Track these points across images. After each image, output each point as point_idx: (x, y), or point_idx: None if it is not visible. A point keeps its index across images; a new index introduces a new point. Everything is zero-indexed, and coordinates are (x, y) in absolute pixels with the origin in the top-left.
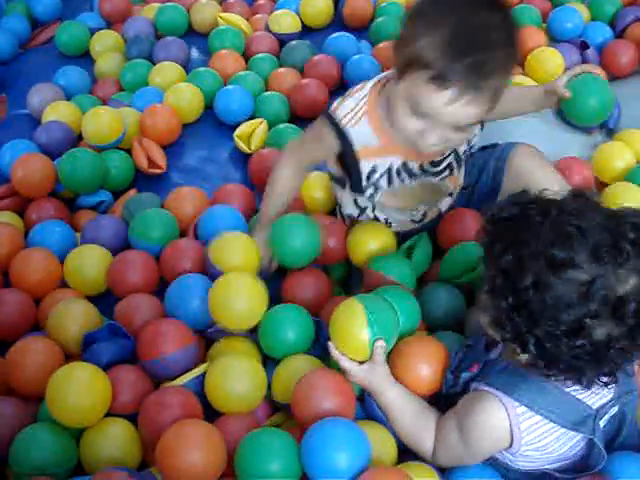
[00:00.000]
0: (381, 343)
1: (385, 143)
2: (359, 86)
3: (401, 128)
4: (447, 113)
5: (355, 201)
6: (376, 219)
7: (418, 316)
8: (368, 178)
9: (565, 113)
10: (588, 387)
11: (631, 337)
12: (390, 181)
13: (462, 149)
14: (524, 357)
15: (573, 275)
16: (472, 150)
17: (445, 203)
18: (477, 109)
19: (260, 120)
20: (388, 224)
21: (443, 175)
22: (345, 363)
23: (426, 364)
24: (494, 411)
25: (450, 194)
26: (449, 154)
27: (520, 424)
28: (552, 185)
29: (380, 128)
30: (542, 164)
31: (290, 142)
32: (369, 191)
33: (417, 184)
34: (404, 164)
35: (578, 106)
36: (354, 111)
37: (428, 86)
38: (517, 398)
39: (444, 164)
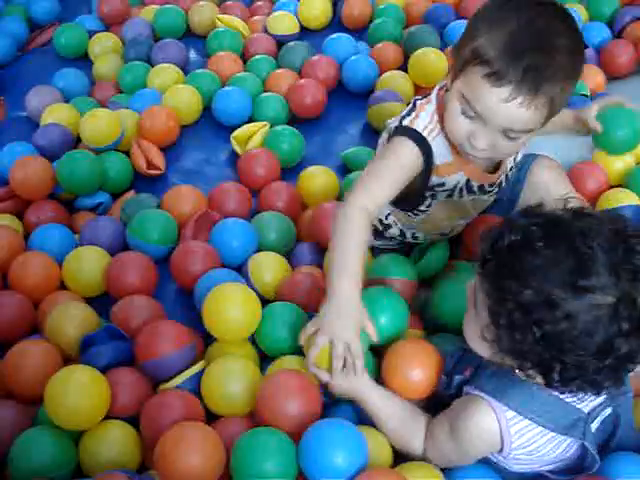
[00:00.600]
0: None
1: (457, 160)
2: (424, 100)
3: (451, 129)
4: (500, 112)
5: (380, 221)
6: (402, 234)
7: (405, 315)
8: (432, 188)
9: (596, 144)
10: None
11: None
12: (451, 195)
13: (509, 166)
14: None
15: (599, 299)
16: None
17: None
18: (531, 114)
19: (264, 123)
20: (414, 237)
21: (493, 192)
22: (323, 376)
23: (418, 368)
24: (484, 415)
25: None
26: (501, 174)
27: (510, 428)
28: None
29: (453, 144)
30: (559, 177)
31: (356, 181)
32: (425, 203)
33: (470, 200)
34: (467, 181)
35: (609, 138)
36: (431, 125)
37: (484, 82)
38: (506, 403)
39: (497, 182)
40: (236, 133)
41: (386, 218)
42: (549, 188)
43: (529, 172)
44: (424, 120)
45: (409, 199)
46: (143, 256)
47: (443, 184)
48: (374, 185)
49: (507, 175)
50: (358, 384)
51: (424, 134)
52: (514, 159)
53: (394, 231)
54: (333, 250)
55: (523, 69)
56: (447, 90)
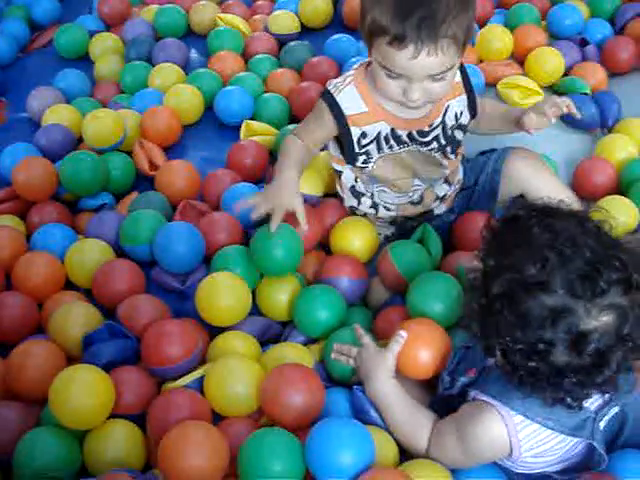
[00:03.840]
0: (403, 332)
1: (373, 110)
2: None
3: (385, 93)
4: (415, 67)
5: (353, 189)
6: (374, 206)
7: (343, 310)
8: (358, 142)
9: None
10: (552, 406)
11: (589, 374)
12: (379, 147)
13: (450, 123)
14: (499, 362)
15: (541, 298)
16: (462, 130)
17: (441, 188)
18: (442, 56)
19: (275, 132)
20: (387, 209)
21: (431, 147)
22: (366, 339)
23: (425, 348)
24: (493, 422)
25: (447, 181)
26: (436, 126)
27: (518, 433)
28: (549, 190)
29: (368, 96)
30: (537, 168)
31: (293, 129)
32: (361, 158)
33: (406, 152)
34: (392, 130)
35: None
36: (341, 81)
37: (390, 49)
38: (513, 407)
39: (431, 135)
40: (251, 122)
41: (355, 181)
42: (528, 179)
43: (505, 164)
44: (338, 79)
45: (347, 155)
46: (130, 263)
47: (365, 134)
48: (306, 128)
49: (446, 130)
50: (387, 362)
51: (331, 90)
52: (454, 117)
53: (367, 201)
54: (279, 162)
55: (417, 25)
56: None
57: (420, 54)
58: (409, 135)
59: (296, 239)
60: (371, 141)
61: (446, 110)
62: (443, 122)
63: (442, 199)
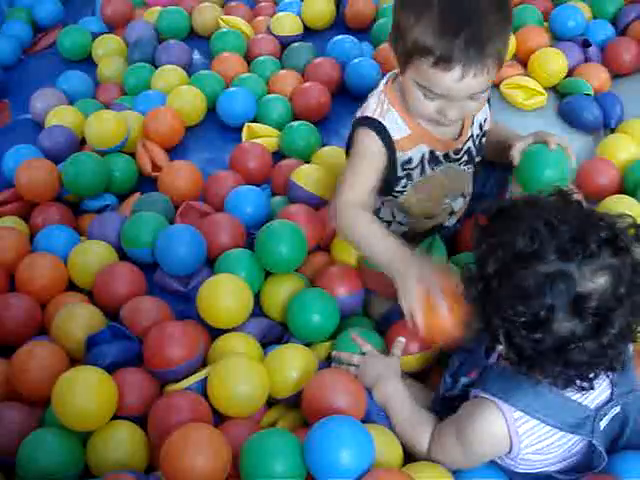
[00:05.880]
0: (402, 339)
1: (414, 130)
2: (372, 93)
3: (420, 112)
4: (460, 89)
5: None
6: (388, 222)
7: (336, 314)
8: (403, 167)
9: (516, 179)
10: (564, 388)
11: (595, 338)
12: (423, 171)
13: (476, 133)
14: (505, 352)
15: (535, 267)
16: (484, 136)
17: (457, 202)
18: (487, 75)
19: (277, 133)
20: (400, 224)
21: (463, 160)
22: (370, 347)
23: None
24: (492, 418)
25: (462, 194)
26: (467, 139)
27: (518, 429)
28: None
29: (407, 115)
30: None
31: (338, 186)
32: (402, 182)
33: (442, 172)
34: (431, 152)
35: (529, 176)
36: (379, 105)
37: (435, 70)
38: (513, 403)
39: (463, 150)
40: (252, 124)
41: (379, 210)
42: None
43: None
44: (372, 104)
45: (386, 183)
46: (132, 267)
47: (410, 160)
48: (355, 180)
49: (474, 141)
50: (391, 366)
51: (374, 116)
52: (479, 126)
53: (385, 214)
54: (360, 247)
55: (465, 45)
56: (396, 77)
57: (467, 76)
58: (445, 155)
59: (301, 236)
60: (416, 166)
61: (472, 122)
62: (471, 135)
63: (455, 213)
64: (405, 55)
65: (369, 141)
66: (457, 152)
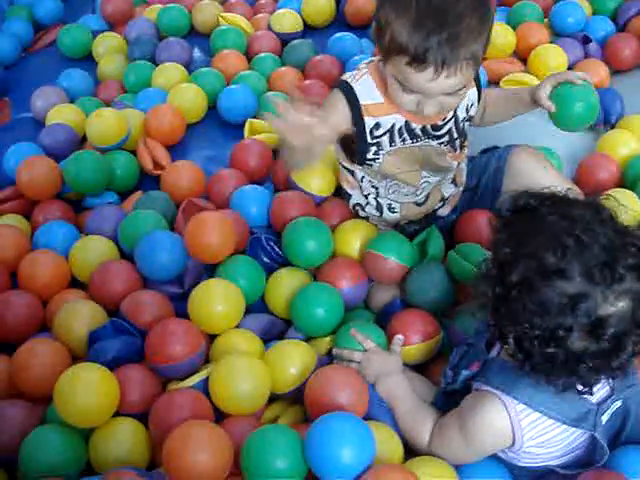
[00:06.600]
0: (400, 336)
1: (389, 101)
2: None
3: (399, 102)
4: (432, 87)
5: (360, 189)
6: (379, 208)
7: (341, 308)
8: (371, 133)
9: (553, 121)
10: (564, 391)
11: (606, 358)
12: (392, 140)
13: (461, 116)
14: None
15: (559, 285)
16: (470, 121)
17: (448, 188)
18: (460, 76)
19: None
20: (392, 210)
21: (443, 140)
22: (371, 344)
23: None
24: (495, 411)
25: (454, 182)
26: (449, 119)
27: (521, 421)
28: (554, 184)
29: (383, 87)
30: (541, 165)
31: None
32: (372, 150)
33: (418, 146)
34: (407, 123)
35: (565, 115)
36: (358, 72)
37: (408, 68)
38: (516, 396)
39: (445, 129)
40: (254, 121)
41: (362, 180)
42: (535, 174)
43: (509, 160)
44: (353, 71)
45: (357, 148)
46: (127, 264)
47: (378, 125)
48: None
49: (458, 123)
50: (392, 360)
51: (346, 79)
52: (465, 109)
53: (372, 201)
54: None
55: (438, 48)
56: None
57: (440, 76)
58: (423, 129)
59: (327, 233)
60: (384, 133)
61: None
62: (455, 115)
63: (446, 200)
64: (384, 50)
65: (335, 100)
66: (436, 128)
